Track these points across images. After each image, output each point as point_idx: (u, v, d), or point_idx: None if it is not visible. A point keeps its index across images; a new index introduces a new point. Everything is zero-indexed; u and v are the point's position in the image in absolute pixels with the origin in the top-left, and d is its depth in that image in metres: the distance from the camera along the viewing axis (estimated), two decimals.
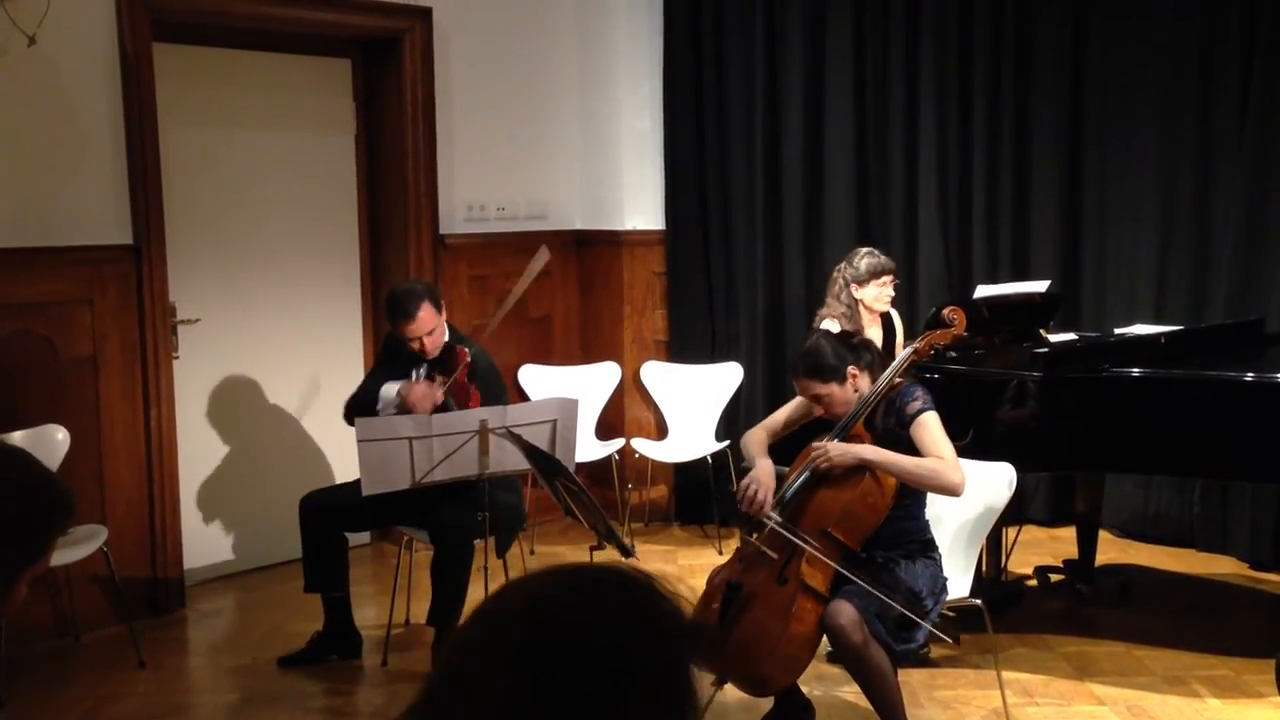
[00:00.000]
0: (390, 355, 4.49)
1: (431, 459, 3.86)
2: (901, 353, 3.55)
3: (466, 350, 4.24)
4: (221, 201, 5.24)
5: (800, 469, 3.48)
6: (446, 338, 4.30)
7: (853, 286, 4.90)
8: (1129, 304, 5.63)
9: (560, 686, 1.02)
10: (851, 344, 3.57)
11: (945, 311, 3.68)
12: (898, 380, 3.53)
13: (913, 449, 3.39)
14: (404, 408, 4.15)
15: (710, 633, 3.36)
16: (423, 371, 4.30)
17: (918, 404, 3.41)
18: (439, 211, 5.64)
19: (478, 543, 4.07)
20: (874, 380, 3.52)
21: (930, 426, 3.38)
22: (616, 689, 1.02)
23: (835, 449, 3.39)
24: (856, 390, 3.49)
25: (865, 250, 5.01)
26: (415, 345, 4.23)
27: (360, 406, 4.28)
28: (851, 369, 3.47)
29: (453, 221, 5.72)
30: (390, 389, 4.24)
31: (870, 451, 3.36)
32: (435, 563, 4.15)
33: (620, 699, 1.02)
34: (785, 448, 3.74)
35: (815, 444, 3.49)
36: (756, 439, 3.72)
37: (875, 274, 4.89)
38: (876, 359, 3.58)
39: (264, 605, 5.02)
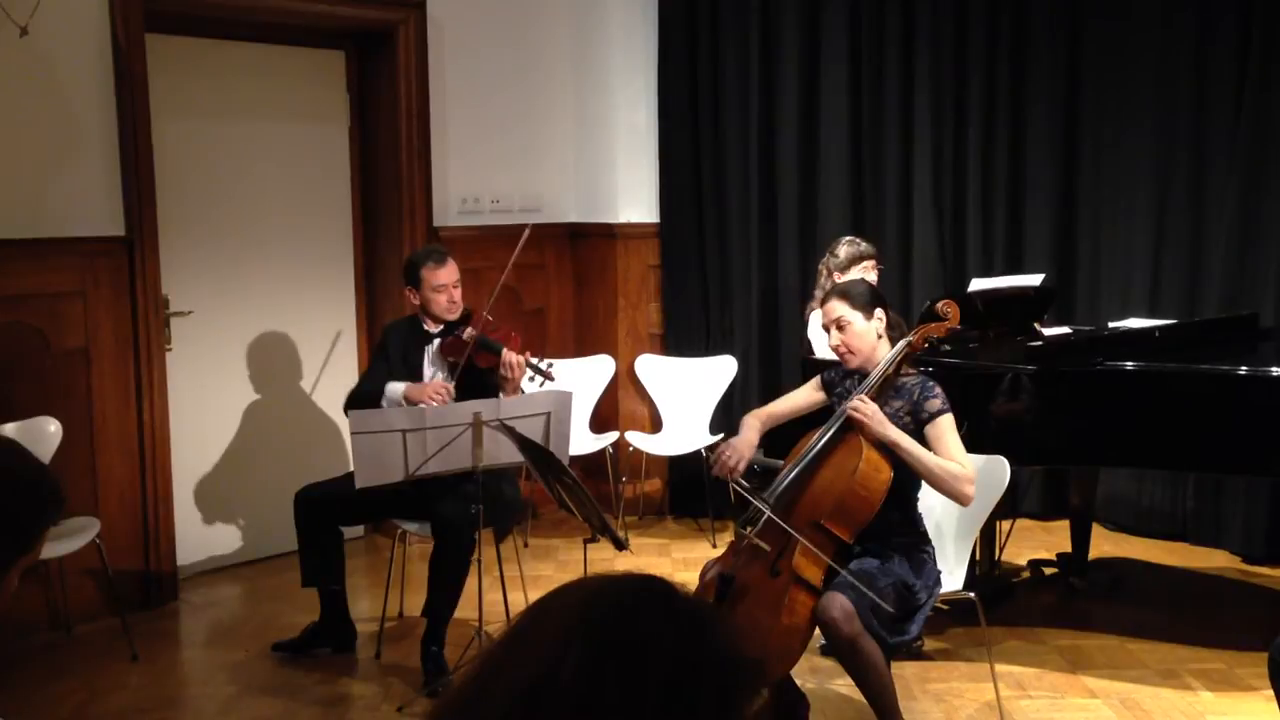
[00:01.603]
0: (391, 344, 4.46)
1: (425, 451, 3.85)
2: (896, 345, 3.54)
3: (486, 314, 4.29)
4: (214, 193, 5.23)
5: (796, 459, 3.47)
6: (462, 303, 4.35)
7: (835, 275, 4.91)
8: (1123, 298, 5.64)
9: (615, 677, 1.02)
10: (884, 302, 3.64)
11: (939, 305, 3.67)
12: (908, 372, 3.53)
13: (920, 442, 3.40)
14: (415, 404, 4.10)
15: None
16: (434, 347, 4.30)
17: (937, 402, 3.44)
18: (433, 204, 5.63)
19: (476, 535, 4.06)
20: (890, 345, 3.54)
21: (950, 430, 3.42)
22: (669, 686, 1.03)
23: (875, 414, 3.38)
24: (879, 335, 3.52)
25: (845, 239, 5.02)
26: (441, 297, 4.27)
27: (363, 404, 4.21)
28: (879, 311, 3.53)
29: (447, 214, 5.71)
30: (396, 387, 4.25)
31: (896, 433, 3.37)
32: (435, 556, 4.13)
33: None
34: (781, 442, 3.74)
35: (810, 436, 3.49)
36: (752, 417, 3.77)
37: (855, 260, 4.90)
38: (897, 331, 3.59)
39: (258, 598, 5.01)
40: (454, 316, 4.32)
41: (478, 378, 4.21)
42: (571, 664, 1.01)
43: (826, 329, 3.58)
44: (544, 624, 1.08)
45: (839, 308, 3.53)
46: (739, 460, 3.56)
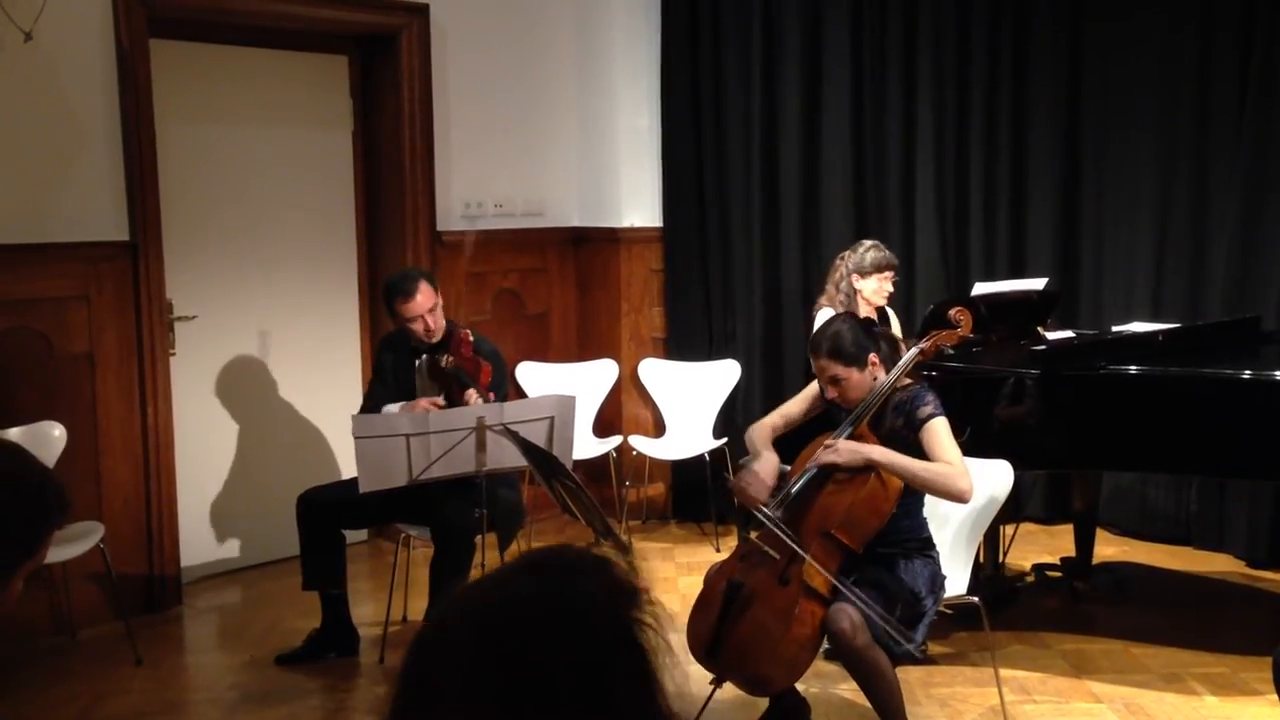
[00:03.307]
0: (385, 364, 4.49)
1: (429, 456, 3.86)
2: (907, 353, 3.53)
3: (468, 331, 4.29)
4: (218, 198, 5.24)
5: (804, 469, 3.46)
6: (444, 323, 4.31)
7: (854, 276, 4.93)
8: (1126, 302, 5.64)
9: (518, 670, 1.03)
10: (872, 332, 3.57)
11: (952, 312, 3.66)
12: (906, 381, 3.52)
13: (918, 452, 3.37)
14: None
15: (706, 632, 3.36)
16: (424, 360, 4.31)
17: (929, 409, 3.39)
18: (436, 208, 5.63)
19: (477, 539, 4.06)
20: (886, 375, 3.51)
21: (940, 432, 3.36)
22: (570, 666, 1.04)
23: (844, 447, 3.37)
24: (875, 379, 3.48)
25: (871, 243, 5.04)
26: (417, 327, 4.25)
27: None
28: (872, 356, 3.47)
29: (450, 218, 5.71)
30: (391, 409, 4.26)
31: (878, 453, 3.33)
32: (435, 560, 4.14)
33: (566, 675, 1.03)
34: (787, 446, 3.73)
35: (822, 440, 3.48)
36: (762, 432, 3.71)
37: (879, 268, 4.92)
38: (892, 353, 3.57)
39: (261, 602, 5.02)
40: (434, 340, 4.29)
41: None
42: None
43: (821, 382, 3.53)
44: (447, 638, 1.08)
45: (831, 367, 3.44)
46: (762, 490, 3.46)
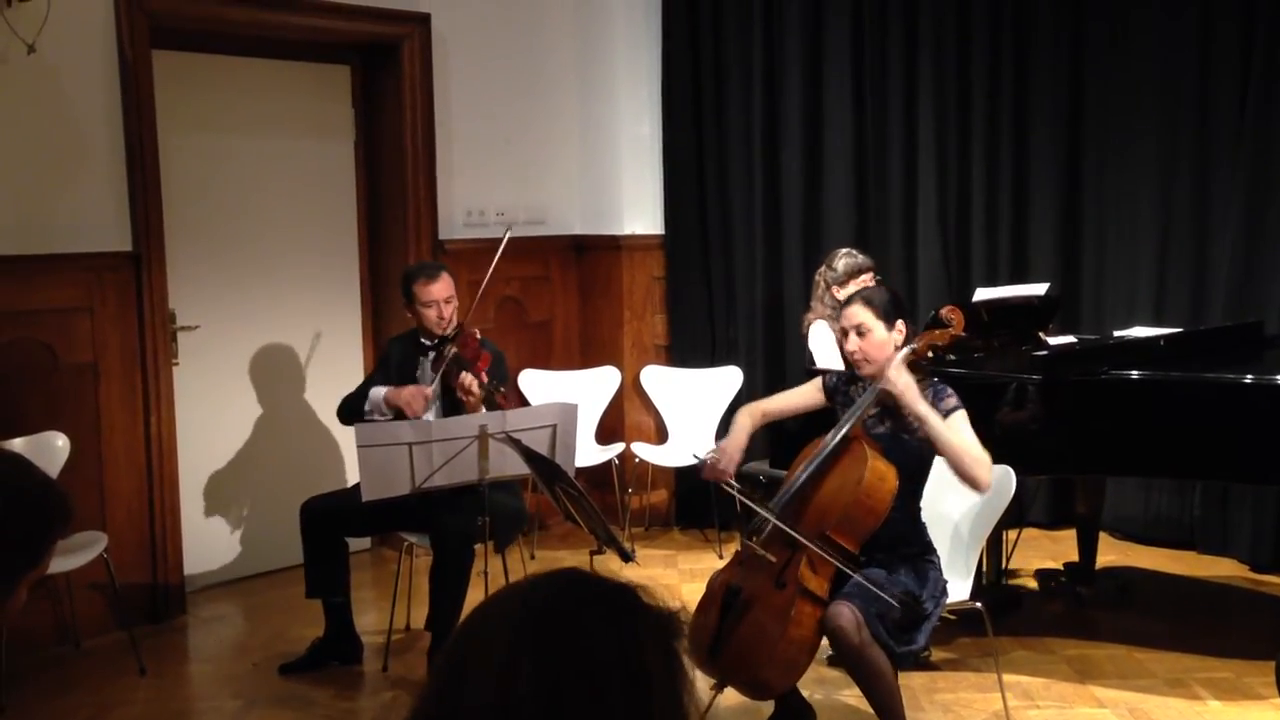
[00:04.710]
0: (391, 355, 4.52)
1: (431, 464, 3.86)
2: (900, 352, 3.53)
3: (476, 331, 4.34)
4: (221, 208, 5.25)
5: (800, 470, 3.47)
6: (456, 319, 4.35)
7: (834, 288, 4.93)
8: (1128, 306, 5.64)
9: (557, 677, 1.04)
10: (903, 307, 3.60)
11: (943, 311, 3.66)
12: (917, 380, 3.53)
13: (922, 448, 3.40)
14: (394, 409, 4.24)
15: (706, 636, 3.37)
16: (429, 359, 4.32)
17: (954, 400, 3.42)
18: (438, 217, 5.64)
19: (478, 547, 4.07)
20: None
21: (967, 426, 3.39)
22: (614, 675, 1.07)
23: (909, 382, 3.37)
24: (896, 347, 3.48)
25: (843, 251, 5.05)
26: (431, 313, 4.28)
27: (352, 407, 4.40)
28: (899, 323, 3.49)
29: (452, 227, 5.72)
30: (378, 391, 4.33)
31: (926, 409, 3.34)
32: (434, 568, 4.15)
33: (617, 686, 1.06)
34: (787, 447, 3.73)
35: (820, 441, 3.48)
36: (746, 414, 3.76)
37: (853, 273, 4.92)
38: (907, 341, 3.58)
39: (265, 611, 5.02)
40: (445, 332, 4.31)
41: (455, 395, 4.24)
42: (525, 678, 1.04)
43: (845, 333, 3.52)
44: (487, 639, 1.10)
45: (861, 313, 3.47)
46: (729, 463, 3.55)
